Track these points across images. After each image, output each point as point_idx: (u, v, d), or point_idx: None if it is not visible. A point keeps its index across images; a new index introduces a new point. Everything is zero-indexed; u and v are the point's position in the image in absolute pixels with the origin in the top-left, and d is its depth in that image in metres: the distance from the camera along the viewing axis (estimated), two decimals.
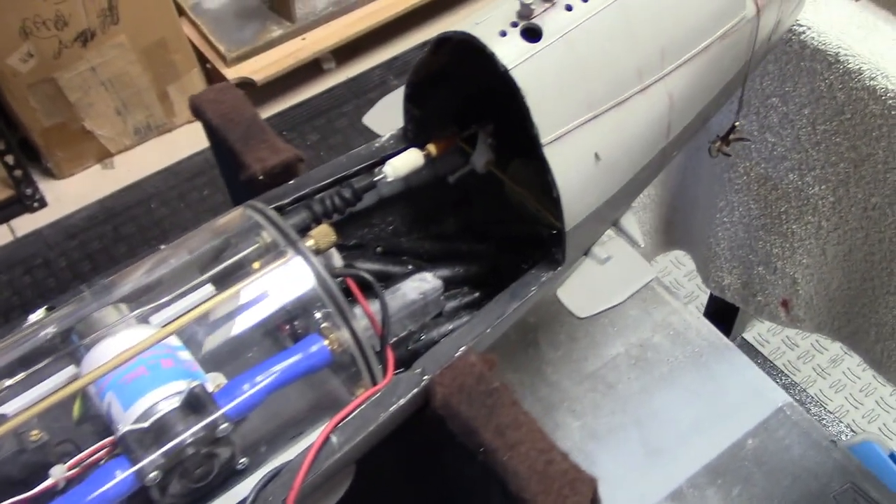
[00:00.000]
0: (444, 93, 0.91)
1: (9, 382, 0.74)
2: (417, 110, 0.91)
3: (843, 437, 2.04)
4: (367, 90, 2.51)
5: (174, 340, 0.77)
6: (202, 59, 2.95)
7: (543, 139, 0.76)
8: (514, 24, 0.75)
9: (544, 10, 0.76)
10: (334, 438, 0.74)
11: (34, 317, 0.80)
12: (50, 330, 0.78)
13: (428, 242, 0.96)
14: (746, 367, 1.15)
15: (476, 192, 0.98)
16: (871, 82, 1.27)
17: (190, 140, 2.77)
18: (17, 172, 2.70)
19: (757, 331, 2.35)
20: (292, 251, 0.75)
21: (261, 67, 2.92)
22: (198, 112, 0.94)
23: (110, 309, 0.78)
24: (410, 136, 0.92)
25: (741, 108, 1.00)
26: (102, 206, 2.31)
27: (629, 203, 0.90)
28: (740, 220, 1.60)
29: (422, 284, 0.87)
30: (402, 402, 0.76)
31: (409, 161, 0.86)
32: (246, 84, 2.90)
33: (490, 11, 0.77)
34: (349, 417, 0.75)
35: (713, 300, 2.09)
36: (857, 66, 1.28)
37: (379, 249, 0.95)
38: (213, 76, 2.98)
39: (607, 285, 0.88)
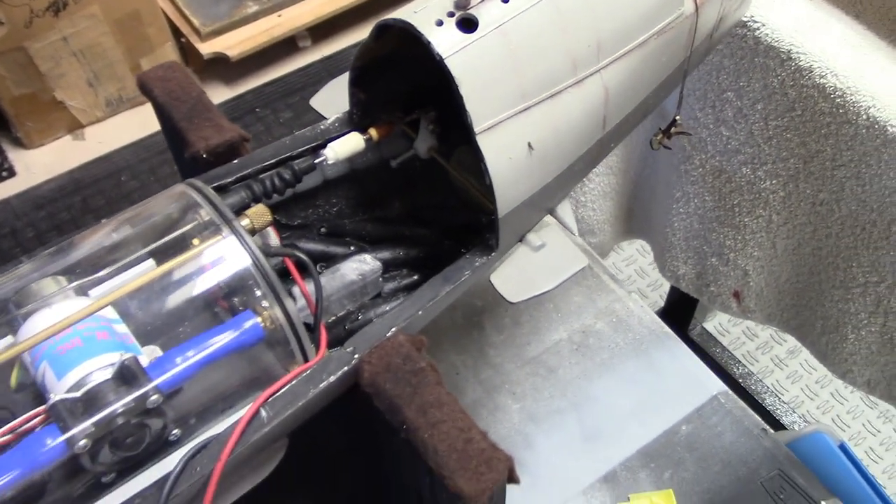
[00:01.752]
0: (390, 78, 0.94)
1: None
2: (363, 94, 0.93)
3: (797, 427, 2.09)
4: (342, 69, 2.50)
5: (111, 313, 0.79)
6: (176, 33, 2.95)
7: (476, 128, 0.78)
8: (451, 14, 0.78)
9: (480, 2, 0.78)
10: (263, 412, 0.77)
11: None
12: None
13: (371, 225, 0.98)
14: (685, 356, 1.18)
15: (421, 178, 1.01)
16: (821, 80, 1.30)
17: None
18: None
19: (718, 321, 2.39)
20: (227, 230, 0.77)
21: (235, 43, 2.92)
22: (144, 89, 0.96)
23: (49, 280, 0.80)
24: (356, 120, 0.94)
25: (681, 102, 1.02)
26: (72, 177, 2.31)
27: (566, 192, 0.93)
28: (695, 211, 1.63)
29: (361, 266, 0.90)
30: (332, 379, 0.79)
31: (349, 144, 0.88)
32: (220, 59, 2.90)
33: (429, 0, 0.79)
34: (280, 392, 0.78)
35: (673, 289, 2.13)
36: (808, 64, 1.31)
37: (322, 230, 0.97)
38: (187, 50, 2.98)
39: (540, 272, 0.91)
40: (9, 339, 0.79)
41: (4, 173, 2.77)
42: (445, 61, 0.76)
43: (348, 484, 1.04)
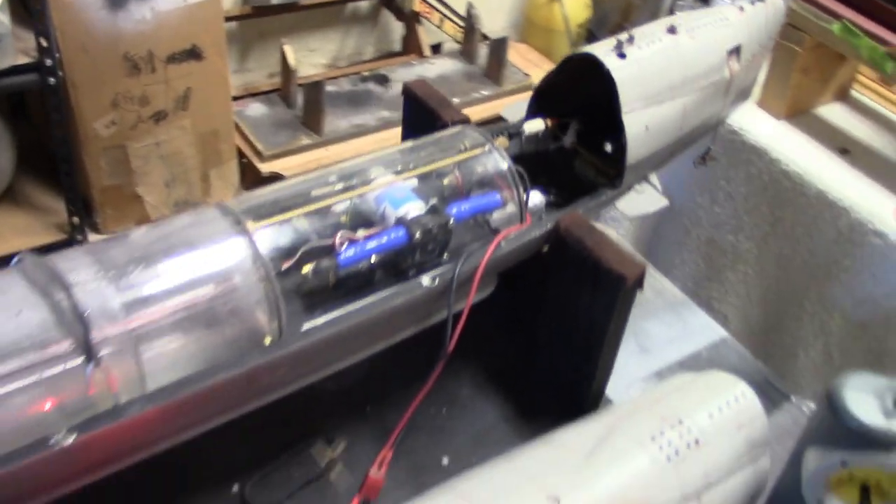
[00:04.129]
0: (554, 98, 1.66)
1: None
2: (535, 107, 1.66)
3: None
4: None
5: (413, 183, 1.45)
6: (240, 154, 3.67)
7: (623, 112, 1.51)
8: (614, 49, 1.52)
9: (629, 45, 1.53)
10: (503, 244, 1.42)
11: None
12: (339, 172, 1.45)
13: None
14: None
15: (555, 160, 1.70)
16: (785, 167, 2.08)
17: None
18: (75, 220, 3.30)
19: None
20: (490, 146, 1.46)
21: (289, 166, 3.64)
22: (407, 92, 1.66)
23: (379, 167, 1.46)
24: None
25: (715, 138, 1.77)
26: None
27: (654, 167, 1.64)
28: (690, 274, 2.36)
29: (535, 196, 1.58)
30: (536, 233, 1.45)
31: (537, 124, 1.59)
32: (276, 177, 3.61)
33: (599, 45, 1.54)
34: (510, 236, 1.43)
35: None
36: (777, 157, 2.09)
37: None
38: (246, 169, 3.69)
39: (641, 205, 1.60)
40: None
41: None
42: (612, 73, 1.50)
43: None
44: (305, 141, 3.73)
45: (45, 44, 2.78)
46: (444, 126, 1.58)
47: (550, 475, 1.30)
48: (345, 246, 1.30)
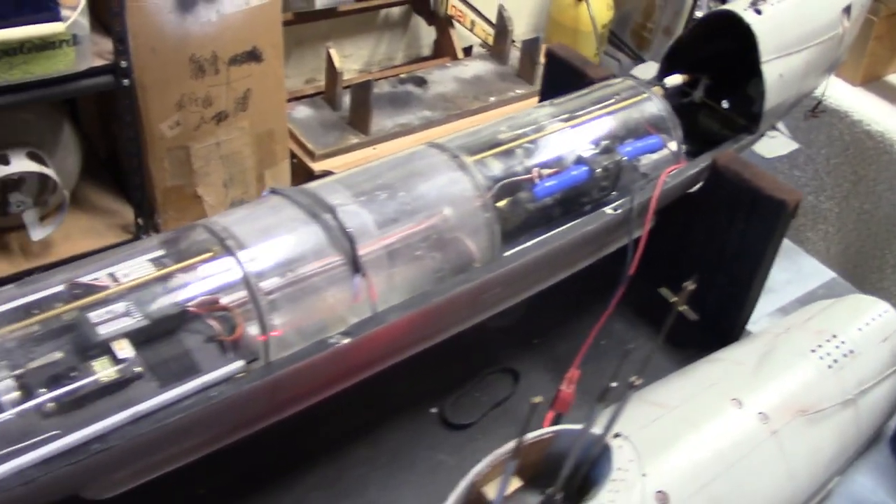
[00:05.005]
0: (687, 54, 1.83)
1: None
2: (667, 63, 1.82)
3: None
4: None
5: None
6: (291, 154, 3.81)
7: (762, 60, 1.68)
8: (751, 5, 1.69)
9: (761, 3, 1.70)
10: (668, 179, 1.58)
11: None
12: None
13: None
14: None
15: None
16: (867, 127, 2.27)
17: None
18: (140, 220, 3.41)
19: None
20: (650, 94, 1.63)
21: (339, 165, 3.77)
22: (551, 55, 1.82)
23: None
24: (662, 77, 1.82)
25: (825, 88, 1.95)
26: None
27: (782, 115, 1.82)
28: None
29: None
30: (694, 170, 1.61)
31: (676, 79, 1.76)
32: (327, 174, 3.75)
33: (734, 4, 1.71)
34: (673, 171, 1.59)
35: None
36: (859, 118, 2.28)
37: None
38: (297, 169, 3.83)
39: (777, 148, 1.77)
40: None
41: None
42: (752, 27, 1.67)
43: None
44: (354, 140, 3.87)
45: (120, 46, 2.89)
46: (591, 82, 1.74)
47: (727, 383, 1.45)
48: (540, 179, 1.45)
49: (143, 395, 1.05)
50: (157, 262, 1.16)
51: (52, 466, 0.97)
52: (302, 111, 3.84)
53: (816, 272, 1.98)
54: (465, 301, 1.34)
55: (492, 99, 4.05)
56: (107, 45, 2.93)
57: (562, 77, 1.79)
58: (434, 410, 1.55)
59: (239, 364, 1.12)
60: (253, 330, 1.14)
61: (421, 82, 4.09)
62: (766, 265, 1.59)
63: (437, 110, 4.05)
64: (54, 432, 0.99)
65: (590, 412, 1.08)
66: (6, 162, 2.79)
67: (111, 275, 1.13)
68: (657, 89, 1.62)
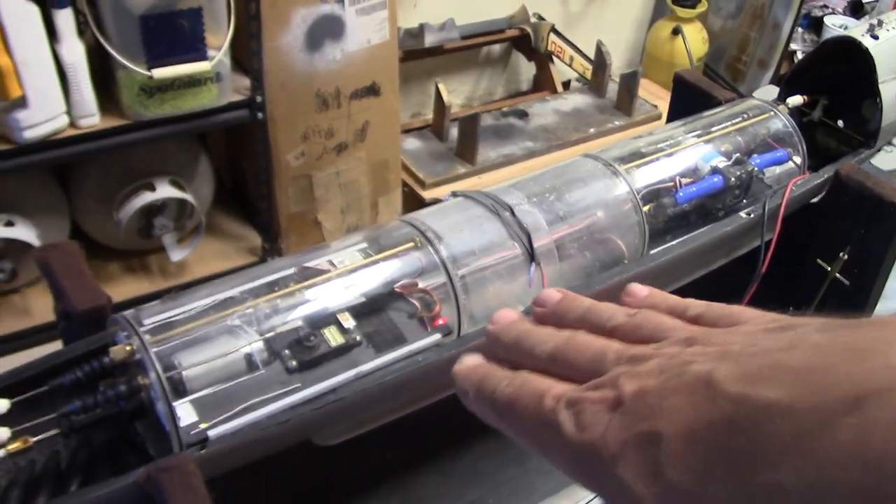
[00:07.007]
0: (800, 80, 2.01)
1: None
2: (787, 87, 2.01)
3: None
4: None
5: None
6: (403, 183, 4.06)
7: (880, 80, 1.85)
8: (867, 31, 1.87)
9: (877, 28, 1.88)
10: (794, 189, 1.75)
11: None
12: None
13: None
14: None
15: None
16: None
17: None
18: (266, 244, 3.68)
19: None
20: (776, 112, 1.81)
21: (447, 194, 4.02)
22: (679, 80, 2.02)
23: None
24: (783, 98, 2.01)
25: None
26: None
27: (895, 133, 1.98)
28: None
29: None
30: (819, 181, 1.78)
31: (797, 99, 1.94)
32: (437, 202, 3.99)
33: (853, 30, 1.89)
34: (798, 181, 1.77)
35: None
36: None
37: None
38: (407, 197, 4.07)
39: (892, 161, 1.94)
40: None
41: None
42: (869, 50, 1.84)
43: None
44: (461, 170, 4.11)
45: (256, 83, 3.17)
46: (718, 104, 1.93)
47: None
48: (681, 186, 1.64)
49: (363, 359, 1.26)
50: (364, 252, 1.38)
51: (297, 411, 1.19)
52: (412, 142, 4.10)
53: None
54: (619, 291, 1.53)
55: (591, 130, 4.26)
56: (243, 81, 3.23)
57: (689, 99, 1.99)
58: None
59: (437, 336, 1.33)
60: (447, 309, 1.34)
61: (522, 115, 4.32)
62: (884, 271, 1.75)
63: (538, 141, 4.27)
64: (296, 385, 1.21)
65: None
66: (152, 188, 3.08)
67: (330, 261, 1.35)
68: (782, 108, 1.80)
